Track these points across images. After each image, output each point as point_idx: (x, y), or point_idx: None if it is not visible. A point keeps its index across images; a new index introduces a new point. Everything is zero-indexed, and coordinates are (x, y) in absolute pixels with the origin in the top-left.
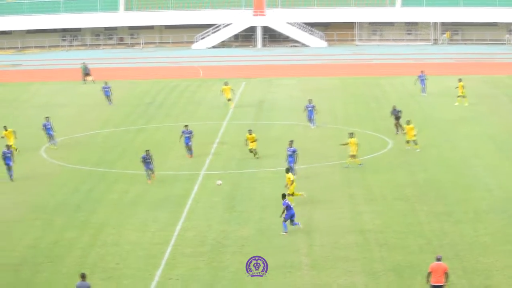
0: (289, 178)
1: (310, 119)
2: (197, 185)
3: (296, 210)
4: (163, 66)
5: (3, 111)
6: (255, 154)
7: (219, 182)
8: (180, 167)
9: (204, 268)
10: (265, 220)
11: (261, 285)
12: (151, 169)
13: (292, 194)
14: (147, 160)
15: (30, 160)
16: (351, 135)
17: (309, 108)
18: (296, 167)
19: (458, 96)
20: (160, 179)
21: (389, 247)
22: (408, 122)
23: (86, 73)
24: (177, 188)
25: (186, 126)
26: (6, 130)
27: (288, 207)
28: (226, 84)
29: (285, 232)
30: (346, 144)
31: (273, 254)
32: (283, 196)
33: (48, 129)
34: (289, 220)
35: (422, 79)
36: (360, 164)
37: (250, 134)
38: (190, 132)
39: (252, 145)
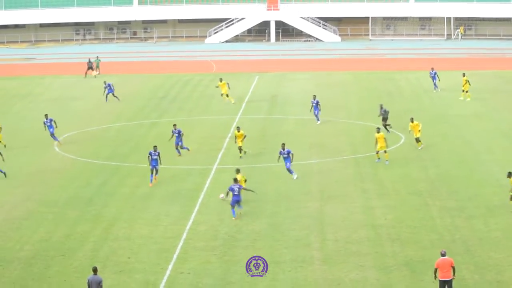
0: (243, 177)
1: (315, 114)
2: (209, 179)
3: (311, 206)
4: (176, 60)
5: (16, 104)
6: (240, 152)
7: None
8: (193, 161)
9: (216, 262)
10: (277, 215)
11: (273, 279)
12: (156, 169)
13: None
14: (154, 157)
15: (42, 154)
16: (378, 130)
17: (313, 104)
18: (293, 166)
19: (463, 91)
20: (173, 174)
21: (401, 242)
22: (412, 120)
23: (90, 67)
24: (189, 182)
25: (174, 125)
26: None
27: (232, 192)
28: (221, 80)
29: (234, 217)
30: (377, 140)
31: (285, 248)
32: (235, 180)
33: (49, 127)
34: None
35: (432, 76)
36: (379, 159)
37: (239, 132)
38: (179, 132)
39: (240, 143)
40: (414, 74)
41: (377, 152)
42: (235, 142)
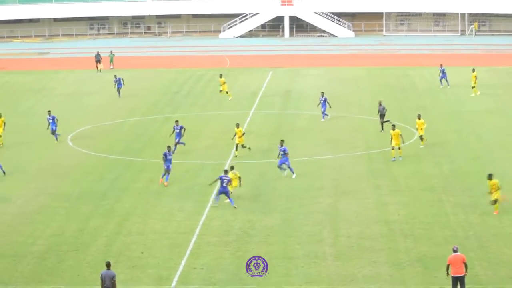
0: (236, 175)
1: (322, 111)
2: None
3: (324, 202)
4: (190, 55)
5: (30, 99)
6: (236, 149)
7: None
8: (206, 157)
9: (229, 258)
10: (290, 210)
11: (286, 275)
12: (169, 170)
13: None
14: (169, 157)
15: (56, 149)
16: (393, 127)
17: (321, 101)
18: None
19: (473, 87)
20: (186, 169)
21: (415, 238)
22: (419, 117)
23: (98, 60)
24: (203, 178)
25: (176, 121)
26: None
27: (221, 182)
28: (220, 76)
29: (216, 204)
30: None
31: (298, 244)
32: (225, 171)
33: (51, 124)
34: (223, 195)
35: (442, 72)
36: (394, 158)
37: (238, 128)
38: (181, 128)
39: (239, 140)
40: (428, 70)
41: (393, 148)
42: (232, 139)
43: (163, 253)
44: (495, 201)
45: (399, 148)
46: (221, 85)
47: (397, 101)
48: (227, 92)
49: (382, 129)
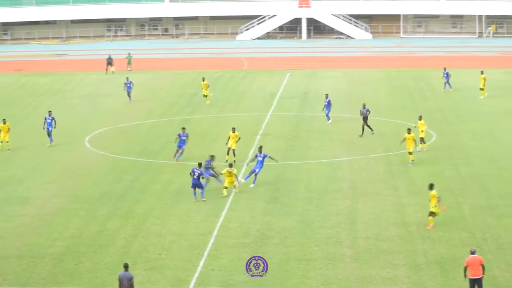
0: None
1: (326, 113)
2: (240, 176)
3: (342, 204)
4: (208, 57)
5: (47, 101)
6: (228, 153)
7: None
8: (224, 158)
9: (247, 259)
10: (309, 212)
11: (304, 277)
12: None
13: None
14: (208, 166)
15: (73, 150)
16: (409, 131)
17: (326, 103)
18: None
19: (481, 89)
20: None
21: (432, 240)
22: (420, 118)
23: (109, 62)
24: (221, 179)
25: (183, 128)
26: (4, 123)
27: (193, 174)
28: (203, 80)
29: (195, 198)
30: (404, 140)
31: (316, 246)
32: (199, 164)
33: (48, 124)
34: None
35: (445, 75)
36: (412, 161)
37: (234, 132)
38: (186, 136)
39: (232, 145)
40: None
41: (410, 153)
42: (226, 144)
43: (181, 254)
44: (432, 213)
45: (411, 153)
46: (203, 88)
47: (414, 103)
48: (206, 96)
49: (362, 133)
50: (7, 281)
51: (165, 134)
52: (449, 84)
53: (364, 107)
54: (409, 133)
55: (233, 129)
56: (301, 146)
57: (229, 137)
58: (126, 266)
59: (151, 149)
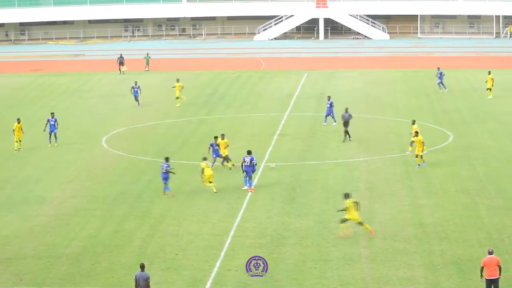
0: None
1: (331, 115)
2: (257, 176)
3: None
4: (225, 57)
5: (65, 101)
6: (227, 161)
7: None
8: (241, 158)
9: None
10: (325, 212)
11: (320, 277)
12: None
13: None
14: (251, 162)
15: (90, 150)
16: (416, 134)
17: (328, 105)
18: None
19: (489, 89)
20: (220, 170)
21: (449, 240)
22: (413, 122)
23: (121, 62)
24: (238, 179)
25: (216, 138)
26: (18, 122)
27: (162, 168)
28: (177, 81)
29: (170, 193)
30: (412, 143)
31: (333, 246)
32: (166, 159)
33: (50, 126)
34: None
35: (439, 75)
36: (419, 165)
37: (223, 139)
38: (218, 146)
39: (223, 152)
40: (463, 73)
41: (420, 157)
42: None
43: (198, 255)
44: (345, 220)
45: (421, 157)
46: (176, 90)
47: (431, 103)
48: (177, 98)
49: (345, 138)
50: (24, 281)
51: (182, 134)
52: (443, 84)
53: (346, 111)
54: (416, 136)
55: (222, 136)
56: (318, 146)
57: (218, 144)
58: (142, 266)
59: (168, 150)
